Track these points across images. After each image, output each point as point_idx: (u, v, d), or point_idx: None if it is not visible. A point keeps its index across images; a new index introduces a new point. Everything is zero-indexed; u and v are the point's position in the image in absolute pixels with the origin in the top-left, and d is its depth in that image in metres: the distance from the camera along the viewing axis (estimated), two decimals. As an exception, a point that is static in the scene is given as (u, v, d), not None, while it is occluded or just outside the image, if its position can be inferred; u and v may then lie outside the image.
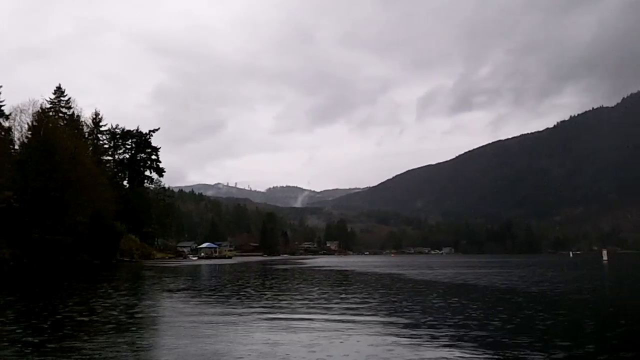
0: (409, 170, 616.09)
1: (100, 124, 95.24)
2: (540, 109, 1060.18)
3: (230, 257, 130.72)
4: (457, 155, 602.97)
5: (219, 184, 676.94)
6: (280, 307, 15.90)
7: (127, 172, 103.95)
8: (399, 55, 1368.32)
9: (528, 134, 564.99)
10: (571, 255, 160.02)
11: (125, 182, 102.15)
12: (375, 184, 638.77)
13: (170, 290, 23.56)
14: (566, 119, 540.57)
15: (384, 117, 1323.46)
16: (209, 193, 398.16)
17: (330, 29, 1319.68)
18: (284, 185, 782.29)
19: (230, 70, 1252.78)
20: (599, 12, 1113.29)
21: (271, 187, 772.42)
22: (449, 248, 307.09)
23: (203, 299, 19.12)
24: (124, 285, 28.31)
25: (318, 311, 14.67)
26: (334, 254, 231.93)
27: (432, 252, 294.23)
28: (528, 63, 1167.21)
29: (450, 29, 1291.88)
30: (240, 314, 14.08)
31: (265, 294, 21.04)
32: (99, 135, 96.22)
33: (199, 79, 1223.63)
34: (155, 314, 14.73)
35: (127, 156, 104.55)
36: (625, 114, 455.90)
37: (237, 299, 19.06)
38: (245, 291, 22.70)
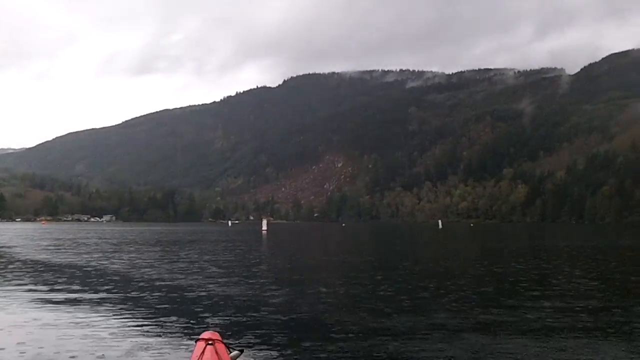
0: (70, 133, 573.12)
1: None
2: (221, 82, 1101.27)
3: None
4: (124, 120, 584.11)
5: None
6: None
7: None
8: (86, 7, 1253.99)
9: (197, 105, 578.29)
10: (230, 224, 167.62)
11: None
12: (33, 145, 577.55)
13: None
14: (232, 94, 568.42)
15: (61, 72, 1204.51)
16: None
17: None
18: None
19: None
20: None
21: None
22: (110, 215, 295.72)
23: None
24: None
25: None
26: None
27: (92, 219, 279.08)
28: (217, 36, 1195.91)
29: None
30: None
31: None
32: None
33: None
34: None
35: None
36: (283, 95, 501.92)
37: None
38: None
